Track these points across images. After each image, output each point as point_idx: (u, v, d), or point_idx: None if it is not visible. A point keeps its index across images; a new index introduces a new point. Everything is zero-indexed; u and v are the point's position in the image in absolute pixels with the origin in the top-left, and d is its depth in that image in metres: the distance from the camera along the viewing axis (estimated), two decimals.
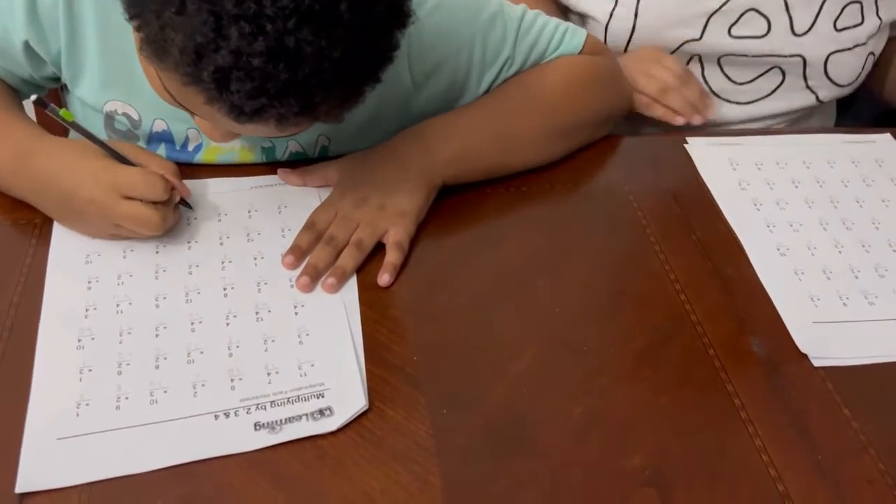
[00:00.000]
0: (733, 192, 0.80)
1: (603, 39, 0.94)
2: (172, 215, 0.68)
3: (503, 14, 0.77)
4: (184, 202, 0.70)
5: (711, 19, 0.91)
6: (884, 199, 0.81)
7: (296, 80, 0.51)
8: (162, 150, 0.76)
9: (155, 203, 0.65)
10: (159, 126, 0.75)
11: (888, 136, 0.89)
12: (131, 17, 0.54)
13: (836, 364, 0.64)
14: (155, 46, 0.53)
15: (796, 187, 0.81)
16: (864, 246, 0.75)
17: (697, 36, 0.92)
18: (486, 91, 0.79)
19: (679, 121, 0.89)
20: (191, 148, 0.76)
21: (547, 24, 0.80)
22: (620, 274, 0.72)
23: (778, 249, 0.74)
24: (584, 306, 0.69)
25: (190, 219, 0.71)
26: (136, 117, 0.74)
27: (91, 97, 0.73)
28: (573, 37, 0.80)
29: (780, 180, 0.82)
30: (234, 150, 0.77)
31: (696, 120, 0.90)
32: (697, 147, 0.86)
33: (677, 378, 0.63)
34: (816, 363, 0.64)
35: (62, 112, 0.64)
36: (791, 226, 0.77)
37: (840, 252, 0.74)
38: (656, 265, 0.72)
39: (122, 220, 0.65)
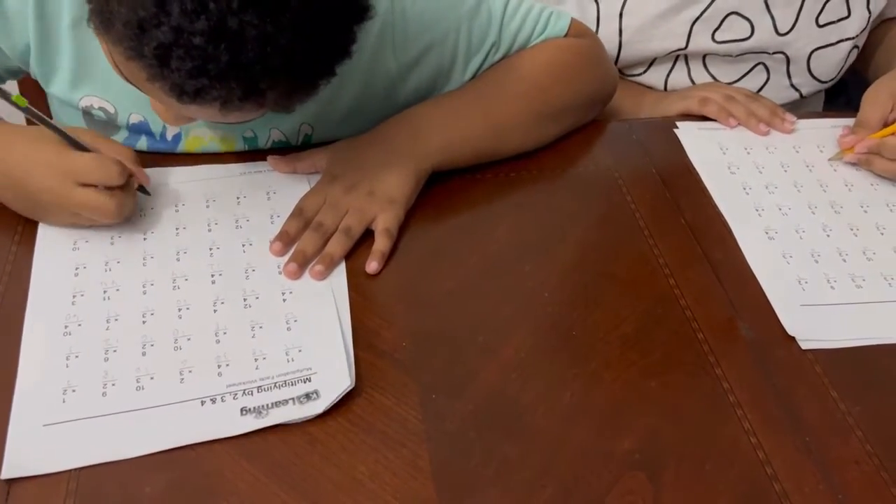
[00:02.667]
0: (722, 176, 0.80)
1: None
2: (131, 202, 0.67)
3: (487, 0, 0.77)
4: (142, 188, 0.69)
5: (694, 27, 0.91)
6: (872, 183, 0.81)
7: (238, 62, 0.50)
8: (143, 142, 0.76)
9: (112, 190, 0.64)
10: (135, 118, 0.74)
11: None
12: None
13: (824, 347, 0.64)
14: (101, 18, 0.52)
15: (785, 171, 0.81)
16: (851, 229, 0.75)
17: (683, 45, 0.92)
18: (473, 77, 0.79)
19: (731, 122, 0.85)
20: (170, 138, 0.76)
21: (532, 9, 0.79)
22: (609, 258, 0.72)
23: (766, 233, 0.74)
24: (573, 291, 0.69)
25: (178, 205, 0.71)
26: (112, 111, 0.73)
27: (65, 94, 0.73)
28: (558, 20, 0.80)
29: (769, 164, 0.82)
30: (214, 140, 0.76)
31: (762, 129, 0.85)
32: (687, 131, 0.86)
33: (666, 362, 0.63)
34: (804, 346, 0.64)
35: (14, 97, 0.61)
36: (780, 209, 0.77)
37: (828, 235, 0.74)
38: (645, 249, 0.72)
39: (78, 208, 0.64)
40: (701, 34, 0.91)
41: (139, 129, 0.75)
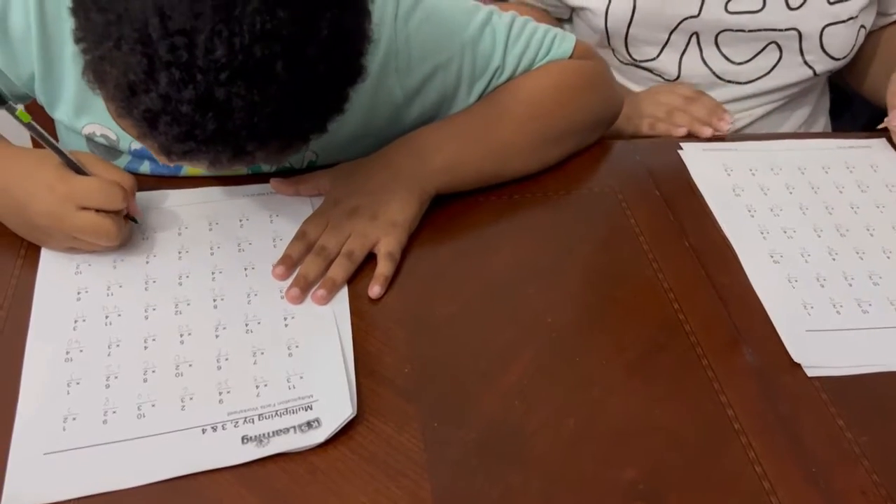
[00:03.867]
0: (727, 199, 0.80)
1: (603, 26, 0.94)
2: (126, 227, 0.67)
3: (491, 23, 0.77)
4: (130, 217, 0.69)
5: None
6: (878, 205, 0.80)
7: (225, 129, 0.51)
8: (146, 166, 0.76)
9: (110, 214, 0.64)
10: (137, 144, 0.74)
11: (883, 140, 0.88)
12: (77, 41, 0.53)
13: (830, 374, 0.64)
14: (94, 74, 0.53)
15: (790, 193, 0.81)
16: (858, 253, 0.75)
17: (696, 13, 0.92)
18: (477, 100, 0.79)
19: (679, 132, 0.89)
20: (172, 164, 0.76)
21: (536, 31, 0.79)
22: (613, 282, 0.71)
23: (771, 256, 0.74)
24: (576, 315, 0.68)
25: (181, 228, 0.71)
26: (114, 138, 0.74)
27: (69, 121, 0.73)
28: (562, 42, 0.80)
29: (774, 186, 0.82)
30: None
31: (705, 132, 0.89)
32: (691, 153, 0.85)
33: (670, 388, 0.62)
34: (810, 373, 0.64)
35: (18, 112, 0.62)
36: (785, 232, 0.76)
37: (834, 259, 0.74)
38: (649, 273, 0.71)
39: (77, 231, 0.64)
40: (714, 3, 0.91)
41: (141, 155, 0.75)
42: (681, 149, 0.86)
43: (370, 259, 0.69)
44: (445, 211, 0.75)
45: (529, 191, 0.79)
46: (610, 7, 0.93)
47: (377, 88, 0.73)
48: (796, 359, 0.64)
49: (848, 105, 1.14)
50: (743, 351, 0.65)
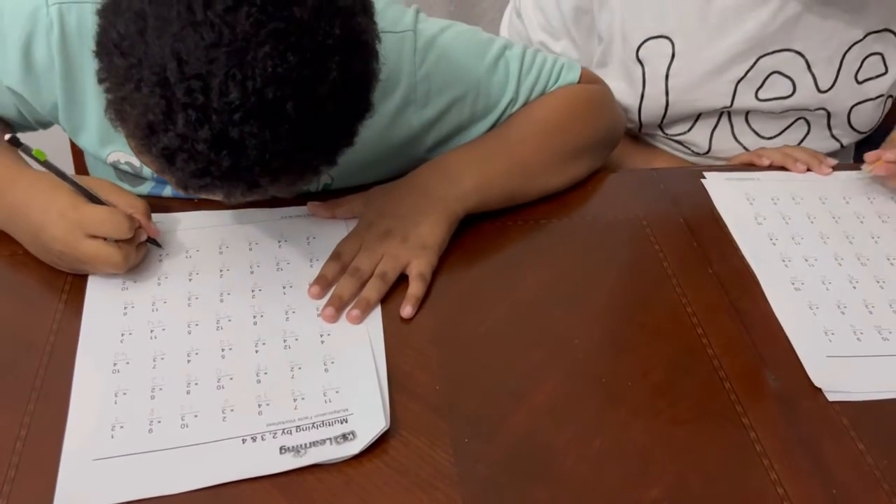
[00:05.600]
0: (749, 227, 0.82)
1: (637, 120, 0.98)
2: (136, 254, 0.69)
3: (505, 57, 0.80)
4: (152, 241, 0.71)
5: (738, 87, 0.94)
6: None
7: (239, 166, 0.54)
8: (168, 190, 0.79)
9: (119, 242, 0.67)
10: None
11: None
12: (100, 81, 0.57)
13: (851, 399, 0.65)
14: (116, 113, 0.56)
15: (812, 222, 0.83)
16: (878, 281, 0.76)
17: (728, 104, 0.95)
18: (491, 128, 0.82)
19: (799, 168, 0.89)
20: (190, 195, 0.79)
21: (546, 62, 0.83)
22: (638, 306, 0.73)
23: (793, 284, 0.75)
24: (602, 338, 0.70)
25: (223, 248, 0.74)
26: (137, 165, 0.77)
27: (93, 149, 0.76)
28: (570, 71, 0.84)
29: (795, 215, 0.84)
30: None
31: (825, 170, 0.89)
32: (714, 181, 0.87)
33: (694, 411, 0.64)
34: (831, 398, 0.65)
35: (35, 151, 0.65)
36: (806, 260, 0.78)
37: (854, 287, 0.75)
38: (673, 298, 0.73)
39: (85, 257, 0.66)
40: (745, 93, 0.94)
41: (163, 180, 0.78)
42: (704, 178, 0.88)
43: (402, 279, 0.72)
44: (475, 234, 0.78)
45: (556, 216, 0.81)
46: (643, 104, 0.96)
47: (395, 119, 0.76)
48: (817, 383, 0.66)
49: (869, 138, 1.15)
50: (765, 375, 0.67)
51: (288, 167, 0.56)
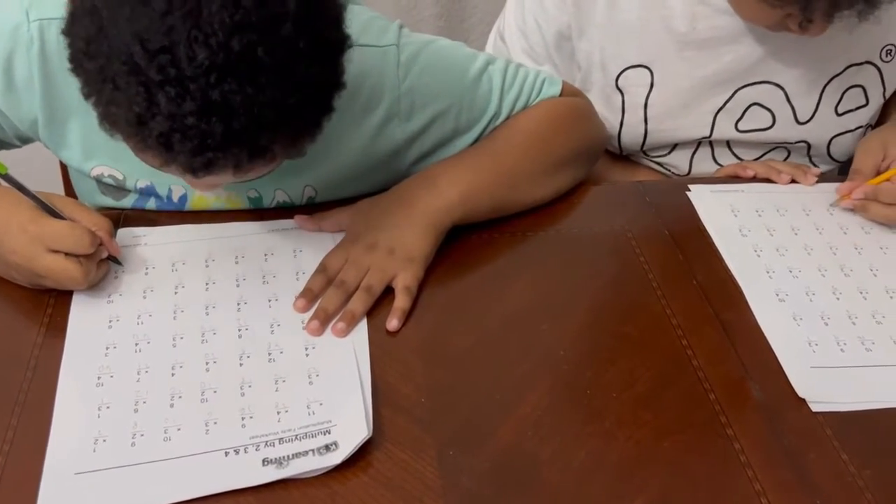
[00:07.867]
0: (734, 239, 0.82)
1: (617, 145, 0.98)
2: (96, 271, 0.69)
3: (488, 71, 0.81)
4: (113, 258, 0.71)
5: (718, 116, 0.94)
6: (882, 247, 0.83)
7: (232, 129, 0.53)
8: (152, 202, 0.79)
9: (79, 257, 0.66)
10: (143, 183, 0.78)
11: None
12: (85, 97, 0.57)
13: (835, 409, 0.65)
14: (107, 120, 0.57)
15: (796, 234, 0.83)
16: (861, 293, 0.77)
17: (707, 134, 0.96)
18: (475, 142, 0.82)
19: (783, 179, 0.89)
20: (176, 199, 0.79)
21: (528, 75, 0.84)
22: (623, 318, 0.74)
23: (777, 295, 0.76)
24: (587, 350, 0.70)
25: (209, 261, 0.74)
26: (121, 177, 0.77)
27: (77, 164, 0.77)
28: (551, 85, 0.85)
29: (780, 227, 0.84)
30: (220, 200, 0.79)
31: (810, 179, 0.89)
32: (699, 194, 0.88)
33: (678, 422, 0.64)
34: (815, 408, 0.66)
35: None
36: (790, 272, 0.79)
37: (838, 298, 0.76)
38: (658, 310, 0.74)
39: (44, 273, 0.66)
40: (724, 123, 0.95)
41: (147, 192, 0.79)
42: (689, 190, 0.88)
43: (388, 292, 0.72)
44: (461, 246, 0.78)
45: (542, 228, 0.82)
46: (622, 131, 0.97)
47: (379, 131, 0.77)
48: (801, 394, 0.66)
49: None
50: (749, 386, 0.67)
51: (283, 119, 0.55)
